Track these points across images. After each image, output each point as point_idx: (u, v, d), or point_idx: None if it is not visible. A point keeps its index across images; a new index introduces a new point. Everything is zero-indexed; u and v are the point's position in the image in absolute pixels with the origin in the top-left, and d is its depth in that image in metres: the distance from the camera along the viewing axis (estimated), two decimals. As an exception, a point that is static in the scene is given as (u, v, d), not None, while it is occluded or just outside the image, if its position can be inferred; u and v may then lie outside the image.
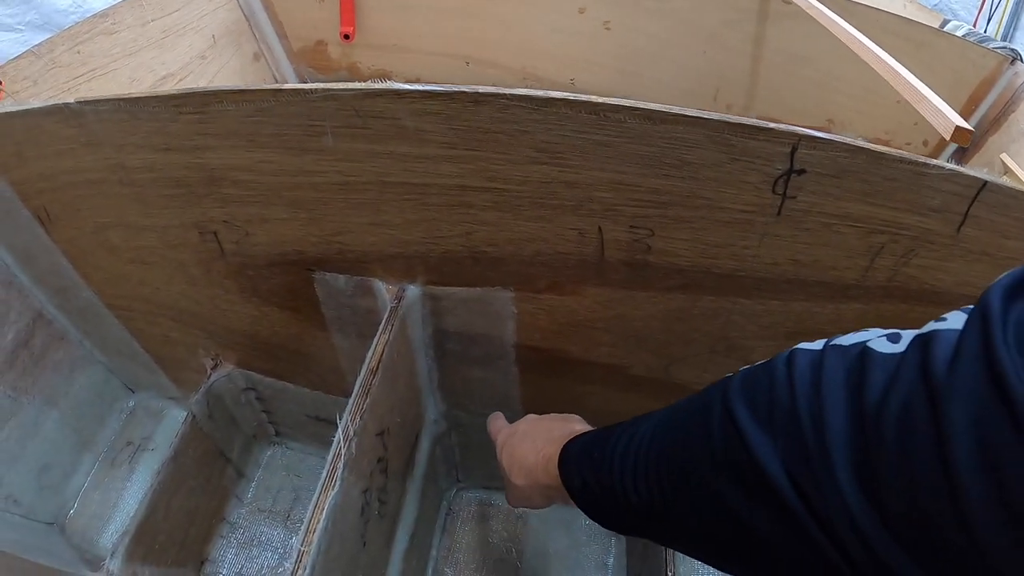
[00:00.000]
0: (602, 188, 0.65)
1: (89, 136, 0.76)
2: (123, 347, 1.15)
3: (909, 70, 1.57)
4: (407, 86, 0.61)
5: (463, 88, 0.61)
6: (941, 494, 0.30)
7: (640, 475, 0.50)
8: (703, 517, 0.45)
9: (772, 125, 0.61)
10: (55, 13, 2.28)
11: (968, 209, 0.68)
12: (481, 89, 0.61)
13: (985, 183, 0.66)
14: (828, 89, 1.52)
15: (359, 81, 1.70)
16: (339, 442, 0.67)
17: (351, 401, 0.71)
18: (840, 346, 0.40)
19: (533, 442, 0.72)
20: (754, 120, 0.61)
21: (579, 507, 0.61)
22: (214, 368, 1.08)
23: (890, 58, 1.02)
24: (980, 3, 2.89)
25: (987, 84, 1.76)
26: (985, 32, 2.79)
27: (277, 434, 1.26)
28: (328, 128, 0.66)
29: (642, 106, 0.60)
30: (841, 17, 1.53)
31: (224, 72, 1.58)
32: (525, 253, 0.74)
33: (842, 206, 0.67)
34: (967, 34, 1.94)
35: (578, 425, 0.74)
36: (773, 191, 0.65)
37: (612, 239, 0.70)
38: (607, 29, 1.66)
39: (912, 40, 1.69)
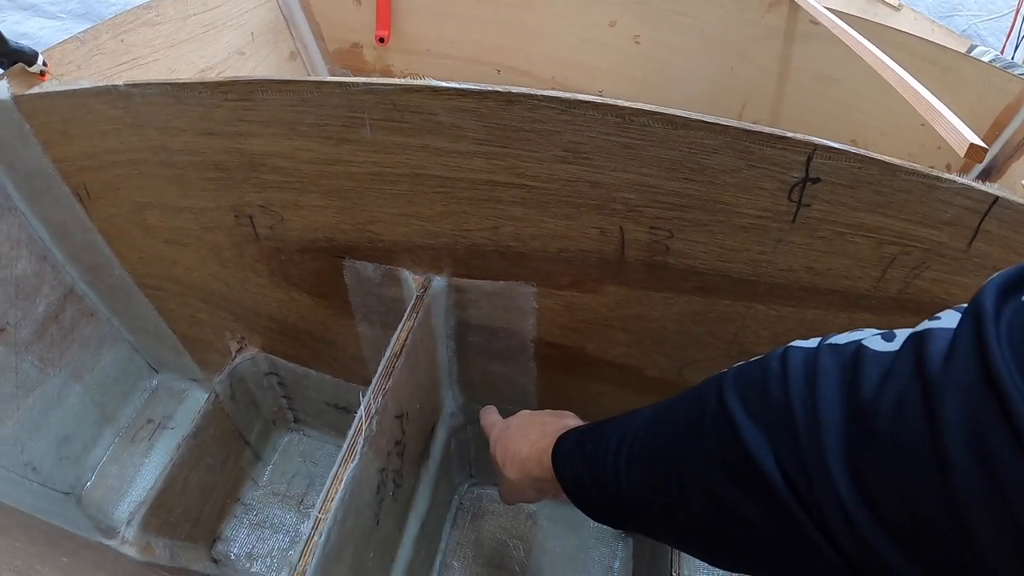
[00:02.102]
0: (625, 189, 0.69)
1: (135, 118, 0.80)
2: (151, 326, 1.19)
3: (933, 93, 1.61)
4: (443, 83, 0.66)
5: (496, 87, 0.65)
6: (933, 486, 0.31)
7: (634, 468, 0.51)
8: (695, 510, 0.46)
9: (789, 134, 0.65)
10: (97, 3, 2.35)
11: (980, 224, 0.71)
12: (514, 89, 0.65)
13: (997, 198, 0.69)
14: (852, 109, 1.55)
15: (392, 81, 1.76)
16: (361, 418, 0.71)
17: (374, 381, 0.75)
18: (835, 344, 0.41)
19: (526, 436, 0.73)
20: (771, 128, 0.65)
21: (571, 499, 0.62)
22: (239, 351, 1.13)
23: (910, 77, 1.05)
24: (1008, 30, 2.90)
25: (1012, 110, 1.78)
26: (1012, 59, 2.81)
27: (296, 420, 1.30)
28: (367, 120, 0.70)
29: (665, 111, 0.64)
30: (867, 38, 1.57)
31: (261, 68, 1.63)
32: (549, 249, 0.78)
33: (856, 216, 0.71)
34: (993, 60, 1.96)
35: (571, 420, 0.77)
36: (789, 198, 0.69)
37: (633, 239, 0.74)
38: (636, 43, 1.70)
39: (938, 64, 1.72)
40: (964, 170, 1.84)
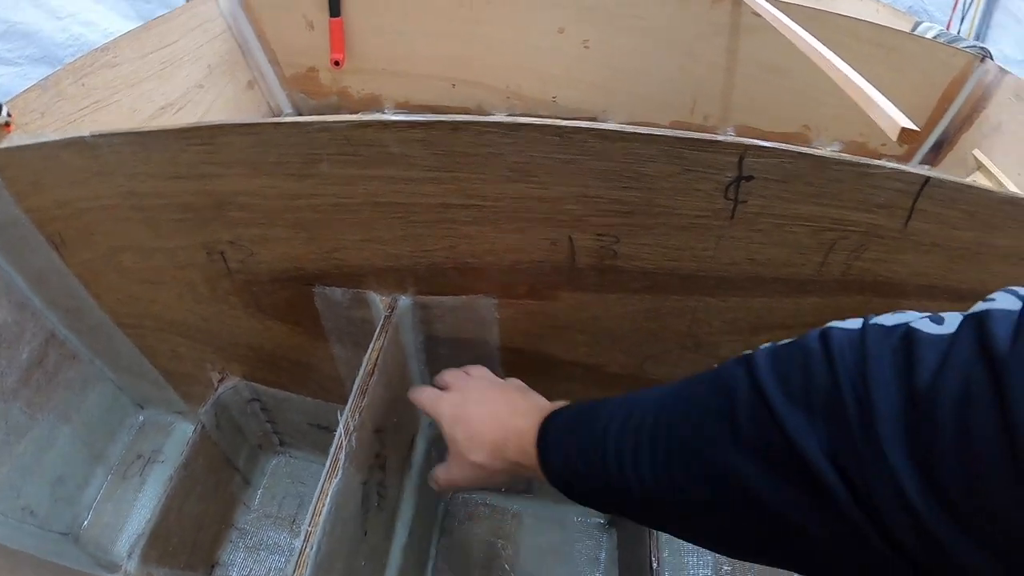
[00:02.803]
0: (570, 201, 0.75)
1: (103, 166, 0.85)
2: (133, 364, 1.23)
3: (880, 74, 1.67)
4: (393, 117, 0.71)
5: (442, 117, 0.70)
6: (1008, 470, 0.31)
7: (642, 459, 0.49)
8: (720, 504, 0.45)
9: (720, 137, 0.71)
10: (54, 47, 2.38)
11: (914, 204, 0.77)
12: (458, 118, 0.70)
13: (928, 179, 0.75)
14: (803, 96, 1.61)
15: (350, 105, 1.81)
16: (340, 436, 0.76)
17: (350, 400, 0.80)
18: (880, 325, 0.40)
19: (495, 416, 0.70)
20: (702, 134, 0.70)
21: (555, 485, 0.60)
22: (221, 381, 1.17)
23: (844, 64, 1.10)
24: (953, 3, 2.98)
25: (958, 83, 1.86)
26: (958, 32, 2.89)
27: (281, 443, 1.35)
28: (324, 156, 0.75)
29: (600, 127, 0.69)
30: (812, 26, 1.63)
31: (220, 101, 1.67)
32: (504, 263, 0.83)
33: (791, 207, 0.77)
34: (938, 35, 2.03)
35: (535, 396, 0.76)
36: (725, 197, 0.75)
37: (582, 247, 0.80)
38: (586, 48, 1.75)
39: (883, 45, 1.79)
40: (916, 145, 1.92)
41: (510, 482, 0.73)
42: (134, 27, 2.33)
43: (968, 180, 1.61)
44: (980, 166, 1.77)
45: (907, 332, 0.37)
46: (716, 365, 0.52)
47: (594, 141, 0.70)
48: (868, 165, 0.73)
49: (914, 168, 0.75)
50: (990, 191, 0.78)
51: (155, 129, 0.80)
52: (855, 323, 0.42)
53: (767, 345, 0.46)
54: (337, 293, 0.92)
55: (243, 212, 0.85)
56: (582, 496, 0.59)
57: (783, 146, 0.71)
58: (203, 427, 1.14)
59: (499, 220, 0.78)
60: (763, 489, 0.41)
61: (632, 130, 0.69)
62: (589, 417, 0.58)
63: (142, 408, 1.40)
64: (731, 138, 0.70)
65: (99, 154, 0.83)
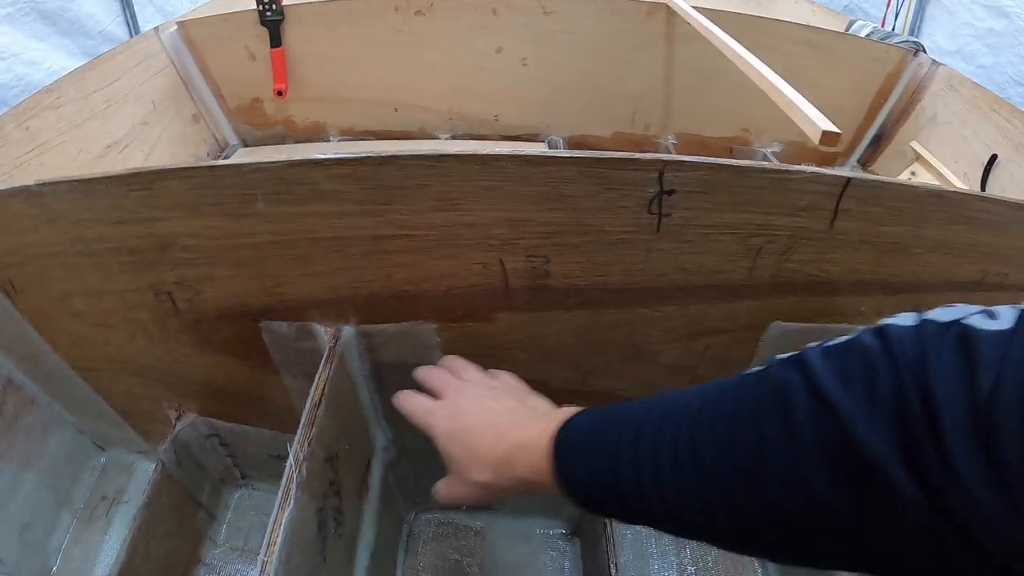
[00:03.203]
0: (497, 226, 0.79)
1: (49, 214, 0.87)
2: (91, 406, 1.25)
3: (817, 75, 1.74)
4: (322, 156, 0.74)
5: (368, 153, 0.73)
6: None
7: (682, 474, 0.47)
8: (779, 515, 0.43)
9: (637, 155, 0.74)
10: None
11: (837, 205, 0.81)
12: (383, 152, 0.73)
13: (849, 180, 0.79)
14: (741, 100, 1.65)
15: (295, 134, 1.84)
16: (291, 466, 0.79)
17: (299, 430, 0.83)
18: (935, 321, 0.40)
19: (495, 429, 0.65)
20: (619, 153, 0.74)
21: (574, 500, 0.57)
22: (178, 418, 1.19)
23: (768, 70, 1.14)
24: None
25: (893, 77, 1.93)
26: (893, 28, 2.97)
27: (243, 476, 1.37)
28: (259, 195, 0.78)
29: (520, 153, 0.73)
30: (746, 32, 1.69)
31: (165, 136, 1.70)
32: (440, 288, 0.87)
33: (715, 216, 0.81)
34: (871, 32, 2.11)
35: (536, 400, 0.73)
36: (649, 211, 0.79)
37: (513, 269, 0.83)
38: (524, 65, 1.80)
39: (817, 46, 1.85)
40: (856, 140, 1.98)
41: (512, 496, 0.67)
42: (78, 65, 2.36)
43: (902, 178, 1.67)
44: (918, 157, 1.83)
45: (963, 330, 0.37)
46: (733, 374, 0.51)
47: (515, 167, 0.74)
48: (788, 171, 0.77)
49: (834, 171, 0.78)
50: (914, 186, 0.82)
51: (97, 176, 0.82)
52: (909, 318, 0.42)
53: (812, 346, 0.45)
54: (283, 327, 0.94)
55: (186, 253, 0.87)
56: (606, 509, 0.56)
57: (701, 159, 0.75)
58: (164, 465, 1.16)
59: (430, 248, 0.82)
60: (829, 491, 0.40)
61: (551, 154, 0.73)
62: (613, 424, 0.55)
63: (103, 449, 1.42)
64: (649, 155, 0.74)
65: (45, 202, 0.85)
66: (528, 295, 0.87)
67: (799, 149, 1.99)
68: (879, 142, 2.01)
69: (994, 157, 1.61)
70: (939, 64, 1.88)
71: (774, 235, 0.84)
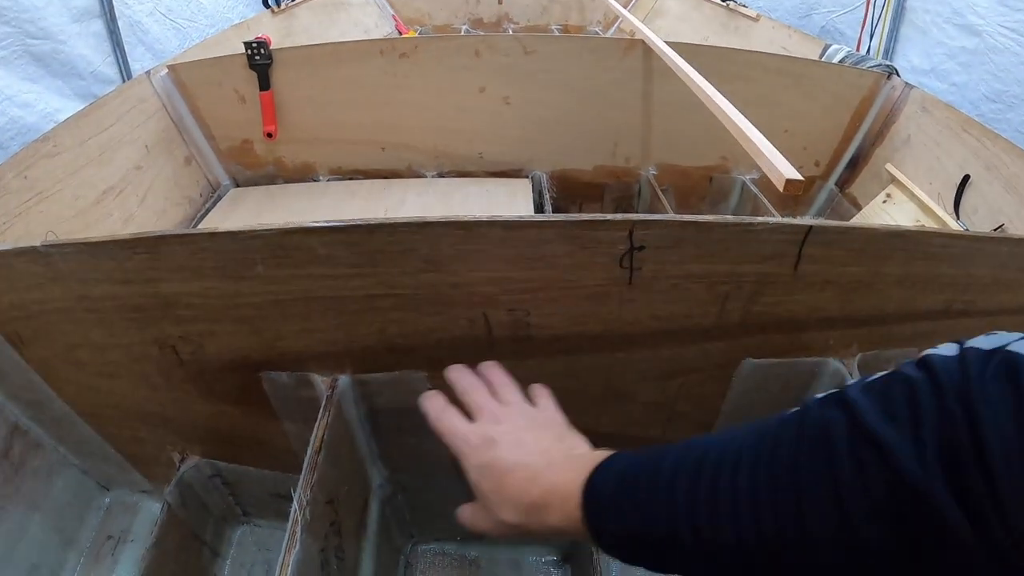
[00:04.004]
0: (480, 284, 0.86)
1: (56, 273, 0.93)
2: (96, 449, 1.31)
3: (793, 101, 1.81)
4: (316, 224, 0.81)
5: (359, 222, 0.80)
6: None
7: (722, 517, 0.46)
8: (814, 550, 0.42)
9: (608, 217, 0.81)
10: (-6, 135, 2.46)
11: (800, 251, 0.88)
12: (373, 220, 0.80)
13: (810, 228, 0.86)
14: (719, 129, 1.72)
15: (285, 174, 1.90)
16: (295, 511, 0.85)
17: (302, 476, 0.89)
18: (978, 350, 0.40)
19: (528, 470, 0.63)
20: (592, 215, 0.81)
21: (606, 550, 0.56)
22: (182, 461, 1.25)
23: (737, 114, 1.21)
24: (862, 21, 3.15)
25: (867, 101, 2.01)
26: (868, 49, 3.07)
27: (245, 514, 1.43)
28: (259, 259, 0.85)
29: (500, 219, 0.80)
30: (722, 64, 1.77)
31: (159, 180, 1.76)
32: (429, 341, 0.94)
33: (684, 268, 0.88)
34: (845, 57, 2.19)
35: (574, 440, 0.71)
36: (621, 266, 0.86)
37: (496, 321, 0.90)
38: (507, 104, 1.88)
39: (792, 74, 1.93)
40: (832, 165, 2.05)
41: (539, 535, 0.63)
42: (71, 105, 2.43)
43: (878, 200, 1.73)
44: (894, 179, 1.91)
45: (1008, 357, 0.37)
46: (775, 416, 0.50)
47: (496, 231, 0.81)
48: (751, 224, 0.84)
49: (796, 220, 0.86)
50: (874, 228, 0.90)
51: (103, 240, 0.88)
52: (950, 348, 0.42)
53: (851, 383, 0.45)
54: (283, 377, 1.01)
55: (189, 310, 0.94)
56: (639, 559, 0.54)
57: (668, 217, 0.82)
58: (169, 506, 1.22)
59: (419, 305, 0.89)
60: (874, 527, 0.39)
61: (529, 219, 0.80)
62: (647, 472, 0.53)
63: (107, 489, 1.47)
64: (619, 216, 0.81)
65: (51, 262, 0.91)
66: (511, 344, 0.94)
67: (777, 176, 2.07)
68: (856, 164, 2.08)
69: (967, 177, 1.68)
70: (912, 87, 1.95)
71: (741, 281, 0.91)
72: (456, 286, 0.86)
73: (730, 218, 0.83)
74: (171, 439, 1.24)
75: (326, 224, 0.81)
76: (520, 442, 0.68)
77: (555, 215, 0.81)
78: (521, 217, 0.80)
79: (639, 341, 0.96)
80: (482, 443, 0.69)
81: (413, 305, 0.89)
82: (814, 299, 0.95)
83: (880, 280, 0.95)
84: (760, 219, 0.84)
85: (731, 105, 1.27)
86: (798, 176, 1.02)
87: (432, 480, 1.20)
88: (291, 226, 0.81)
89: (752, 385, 1.05)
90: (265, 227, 0.82)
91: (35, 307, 0.99)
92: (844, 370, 1.03)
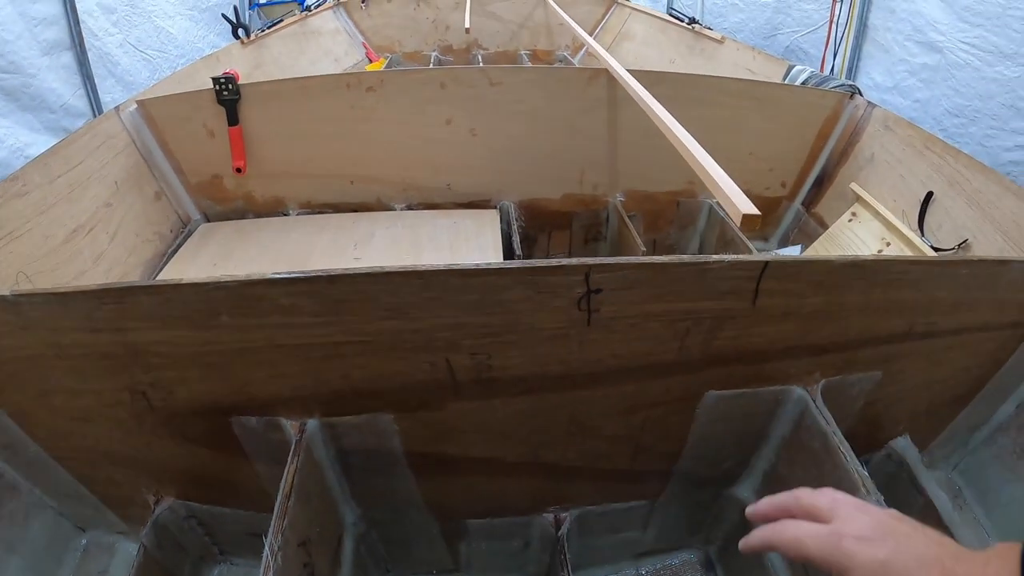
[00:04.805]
0: (441, 330, 0.88)
1: (26, 321, 0.94)
2: (71, 491, 1.31)
3: (757, 124, 1.84)
4: (277, 275, 0.83)
5: (319, 273, 0.82)
6: None
7: None
8: None
9: (564, 262, 0.84)
10: (-38, 173, 2.44)
11: (758, 286, 0.91)
12: (333, 272, 0.82)
13: (767, 264, 0.89)
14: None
15: (255, 208, 1.92)
16: (267, 557, 0.87)
17: (272, 521, 0.91)
18: None
19: (940, 565, 0.55)
20: (547, 261, 0.84)
21: None
22: (157, 502, 1.26)
23: (700, 150, 1.24)
24: (826, 40, 3.21)
25: (831, 121, 2.06)
26: (832, 68, 3.12)
27: (222, 553, 1.44)
28: (223, 310, 0.87)
29: (458, 267, 0.82)
30: (686, 88, 1.80)
31: (129, 217, 1.77)
32: (394, 384, 0.96)
33: (642, 307, 0.90)
34: (809, 78, 2.23)
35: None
36: (579, 308, 0.88)
37: (459, 365, 0.93)
38: (474, 135, 1.91)
39: (755, 97, 1.97)
40: (798, 185, 2.09)
41: None
42: (42, 139, 2.43)
43: (843, 218, 1.75)
44: (859, 198, 1.94)
45: None
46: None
47: (454, 279, 0.83)
48: (706, 262, 0.87)
49: (752, 257, 0.88)
50: (830, 260, 0.93)
51: (71, 290, 0.90)
52: None
53: None
54: (252, 421, 1.03)
55: (159, 358, 0.96)
56: None
57: (623, 260, 0.85)
58: (146, 549, 1.23)
59: (382, 351, 0.91)
60: None
61: (485, 266, 0.82)
62: None
63: (84, 531, 1.48)
64: (574, 260, 0.84)
65: (21, 311, 0.93)
66: (475, 386, 0.96)
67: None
68: (821, 184, 2.12)
69: (930, 194, 1.71)
70: (874, 105, 1.99)
71: (700, 318, 0.93)
72: (418, 331, 0.88)
73: (686, 258, 0.86)
74: (145, 481, 1.25)
75: (288, 275, 0.83)
76: (910, 534, 0.59)
77: (511, 262, 0.83)
78: (478, 265, 0.82)
79: (601, 379, 0.98)
80: (865, 536, 0.58)
81: (377, 351, 0.91)
82: (774, 331, 0.98)
83: (840, 309, 0.98)
84: (716, 257, 0.87)
85: (691, 138, 1.29)
86: (755, 211, 1.04)
87: (404, 515, 1.23)
88: (253, 278, 0.84)
89: (716, 415, 1.08)
90: (228, 278, 0.84)
91: (6, 354, 1.00)
92: (807, 397, 1.06)
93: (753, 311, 0.94)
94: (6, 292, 0.92)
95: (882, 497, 0.92)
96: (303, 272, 0.83)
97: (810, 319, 0.98)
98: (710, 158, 1.22)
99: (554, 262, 0.84)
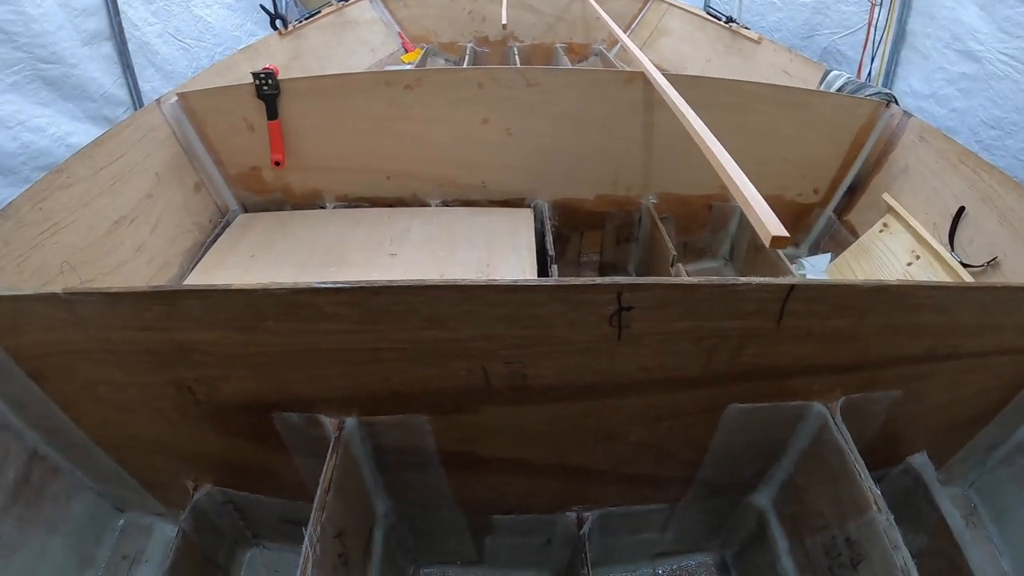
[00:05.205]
0: (478, 340, 0.93)
1: (76, 318, 1.00)
2: (112, 475, 1.37)
3: (792, 131, 1.86)
4: (322, 284, 0.88)
5: (363, 284, 0.87)
6: None
7: None
8: None
9: (598, 281, 0.88)
10: (4, 156, 2.55)
11: (783, 307, 0.95)
12: (377, 284, 0.87)
13: (792, 287, 0.92)
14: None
15: (293, 200, 1.97)
16: (306, 547, 0.92)
17: (312, 514, 0.96)
18: None
19: None
20: (583, 279, 0.88)
21: None
22: (195, 488, 1.32)
23: (734, 166, 1.26)
24: (864, 42, 3.19)
25: (866, 130, 2.07)
26: (869, 72, 3.11)
27: (255, 536, 1.50)
28: (269, 315, 0.92)
29: (496, 283, 0.87)
30: (721, 94, 1.83)
31: (169, 207, 1.82)
32: (431, 389, 1.01)
33: (671, 325, 0.94)
34: (845, 84, 2.25)
35: None
36: (610, 324, 0.93)
37: (494, 372, 0.97)
38: (509, 135, 1.94)
39: (790, 104, 1.99)
40: (831, 192, 2.10)
41: None
42: (83, 128, 2.48)
43: (875, 228, 1.75)
44: (890, 209, 1.96)
45: None
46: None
47: (491, 294, 0.87)
48: (735, 285, 0.91)
49: (778, 280, 0.92)
50: (855, 284, 0.96)
51: (122, 291, 0.95)
52: None
53: None
54: (293, 417, 1.08)
55: (204, 356, 1.01)
56: None
57: (654, 280, 0.89)
58: (184, 532, 1.28)
59: (421, 358, 0.96)
60: None
61: (523, 282, 0.87)
62: None
63: (122, 511, 1.54)
64: (607, 280, 0.88)
65: (72, 308, 0.98)
66: (508, 392, 1.01)
67: (776, 203, 2.08)
68: (854, 192, 2.13)
69: (962, 209, 1.72)
70: (910, 115, 1.99)
71: (726, 336, 0.97)
72: (455, 341, 0.93)
73: (715, 279, 0.90)
74: (185, 468, 1.31)
75: (332, 285, 0.87)
76: None
77: (546, 280, 0.88)
78: (515, 281, 0.87)
79: (629, 390, 1.03)
80: None
81: (415, 358, 0.96)
82: (798, 349, 1.02)
83: (863, 330, 1.01)
84: (743, 280, 0.91)
85: (725, 152, 1.32)
86: (783, 232, 1.07)
87: (434, 509, 1.28)
88: (300, 286, 0.88)
89: (738, 427, 1.12)
90: (276, 286, 0.89)
91: (56, 347, 1.06)
92: (827, 413, 1.09)
93: (778, 331, 0.97)
94: (58, 290, 0.97)
95: (892, 516, 0.95)
96: (347, 282, 0.87)
97: (833, 339, 1.01)
98: (742, 174, 1.24)
99: (588, 281, 0.88)
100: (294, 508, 1.34)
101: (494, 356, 0.95)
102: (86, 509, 1.44)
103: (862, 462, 1.02)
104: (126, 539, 1.52)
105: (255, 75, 1.86)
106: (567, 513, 1.30)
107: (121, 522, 1.54)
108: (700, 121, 1.49)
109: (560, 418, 1.07)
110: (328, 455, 1.03)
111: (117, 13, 3.16)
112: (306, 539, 0.93)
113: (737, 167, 1.27)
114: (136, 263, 1.64)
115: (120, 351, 1.04)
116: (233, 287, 0.90)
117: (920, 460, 1.27)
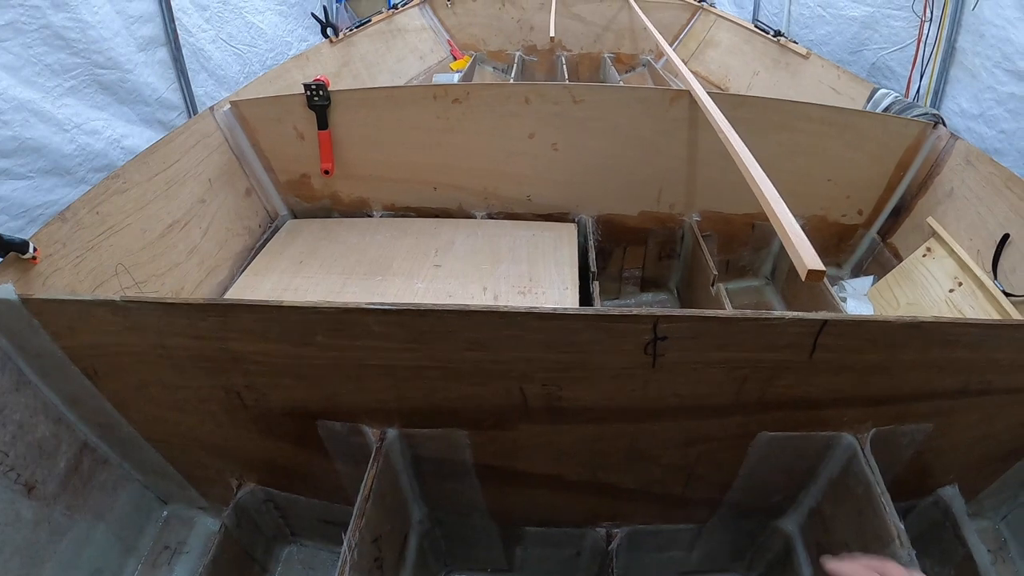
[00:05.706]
0: (518, 363, 0.98)
1: (133, 323, 1.06)
2: (158, 469, 1.44)
3: (838, 151, 1.87)
4: (371, 305, 0.93)
5: (410, 307, 0.92)
6: None
7: None
8: None
9: (635, 311, 0.92)
10: (61, 158, 2.62)
11: (815, 341, 0.98)
12: (423, 306, 0.92)
13: (825, 323, 0.96)
14: (762, 177, 1.76)
15: (341, 207, 2.02)
16: (345, 551, 0.97)
17: (352, 520, 1.01)
18: None
19: None
20: (621, 309, 0.92)
21: None
22: (239, 487, 1.38)
23: (775, 194, 1.28)
24: (913, 59, 3.16)
25: (912, 151, 2.07)
26: (918, 90, 3.08)
27: (293, 534, 1.56)
28: (319, 330, 0.98)
29: (536, 310, 0.91)
30: (766, 113, 1.85)
31: (221, 212, 1.89)
32: (471, 406, 1.06)
33: (704, 355, 0.98)
34: (892, 103, 2.25)
35: None
36: (645, 352, 0.97)
37: (531, 393, 1.02)
38: (555, 150, 1.98)
39: (836, 124, 2.00)
40: (876, 214, 2.11)
41: None
42: (137, 131, 2.55)
43: (918, 253, 1.74)
44: (934, 233, 1.96)
45: None
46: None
47: (532, 320, 0.92)
48: (768, 318, 0.94)
49: (811, 315, 0.95)
50: (888, 321, 0.99)
51: (178, 302, 1.01)
52: None
53: None
54: (337, 426, 1.14)
55: (255, 366, 1.07)
56: None
57: (690, 312, 0.93)
58: (226, 528, 1.35)
59: (463, 376, 1.01)
60: None
61: (562, 311, 0.91)
62: None
63: (165, 503, 1.60)
64: (645, 310, 0.92)
65: (129, 314, 1.04)
66: (545, 412, 1.06)
67: (820, 223, 2.13)
68: (899, 214, 2.13)
69: (1006, 236, 1.72)
70: (957, 138, 1.97)
71: (758, 367, 1.01)
72: (496, 362, 0.98)
73: (749, 313, 0.94)
74: (230, 466, 1.37)
75: (381, 306, 0.93)
76: None
77: (585, 308, 0.93)
78: (555, 309, 0.91)
79: (661, 415, 1.07)
80: None
81: (457, 376, 1.01)
82: (829, 382, 1.05)
83: (896, 365, 1.04)
84: (777, 314, 0.94)
85: (768, 181, 1.33)
86: (820, 267, 1.06)
87: (468, 518, 1.33)
88: (350, 305, 0.94)
89: (768, 454, 1.15)
90: (326, 304, 0.94)
91: (112, 349, 1.13)
92: (856, 445, 1.12)
93: (810, 363, 1.00)
94: (116, 297, 1.03)
95: (914, 552, 0.98)
96: (395, 304, 0.92)
97: (865, 373, 1.04)
98: (782, 203, 1.24)
99: (624, 311, 0.92)
100: (332, 509, 1.39)
101: (532, 378, 1.00)
102: (131, 499, 1.50)
103: (888, 495, 1.04)
104: (168, 530, 1.58)
105: (306, 86, 1.91)
106: (597, 528, 1.35)
107: (164, 513, 1.60)
108: (743, 143, 1.51)
109: (594, 438, 1.12)
110: (369, 464, 1.08)
111: (172, 20, 3.25)
112: (344, 544, 0.98)
113: (777, 195, 1.27)
114: (188, 265, 1.70)
115: (173, 356, 1.10)
116: (285, 303, 0.96)
117: (950, 492, 1.28)
